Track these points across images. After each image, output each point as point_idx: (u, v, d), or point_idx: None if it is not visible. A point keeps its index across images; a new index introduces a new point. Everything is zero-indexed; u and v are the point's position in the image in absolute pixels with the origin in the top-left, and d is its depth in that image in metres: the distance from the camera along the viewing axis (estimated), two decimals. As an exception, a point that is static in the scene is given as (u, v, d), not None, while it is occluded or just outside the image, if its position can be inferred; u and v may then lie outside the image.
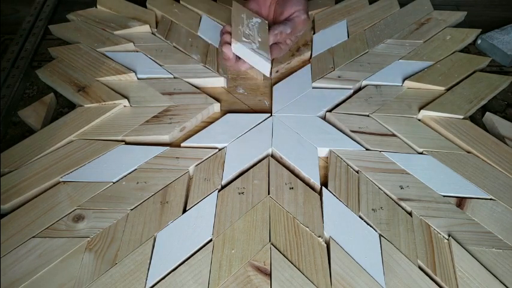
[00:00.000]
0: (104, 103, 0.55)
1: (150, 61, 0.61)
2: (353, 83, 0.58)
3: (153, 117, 0.54)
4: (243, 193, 0.46)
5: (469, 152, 0.50)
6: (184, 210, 0.45)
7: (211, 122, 0.54)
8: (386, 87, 0.58)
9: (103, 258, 0.41)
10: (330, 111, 0.55)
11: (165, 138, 0.52)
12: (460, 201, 0.45)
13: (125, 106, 0.55)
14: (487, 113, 0.55)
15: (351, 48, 0.64)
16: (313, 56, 0.63)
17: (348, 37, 0.66)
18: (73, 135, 0.51)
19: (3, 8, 0.75)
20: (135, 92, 0.57)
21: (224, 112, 0.56)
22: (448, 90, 0.57)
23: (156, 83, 0.58)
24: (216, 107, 0.56)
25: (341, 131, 0.53)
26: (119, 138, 0.52)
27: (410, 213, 0.45)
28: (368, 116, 0.54)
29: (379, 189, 0.46)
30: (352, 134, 0.52)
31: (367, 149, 0.51)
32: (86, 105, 0.55)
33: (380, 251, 0.41)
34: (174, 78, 0.59)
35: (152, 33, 0.66)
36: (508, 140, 0.51)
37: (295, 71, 0.61)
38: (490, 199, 0.46)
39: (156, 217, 0.44)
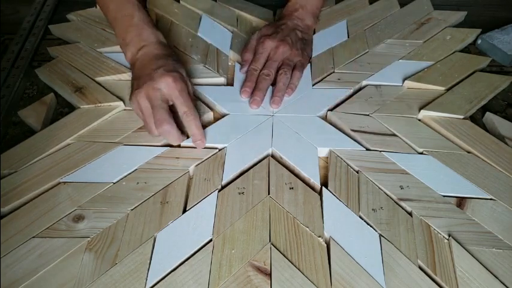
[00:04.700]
0: (99, 104, 0.55)
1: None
2: (353, 84, 0.58)
3: None
4: (243, 193, 0.46)
5: (469, 152, 0.50)
6: (184, 210, 0.45)
7: (207, 126, 0.54)
8: (386, 87, 0.58)
9: (103, 258, 0.41)
10: (330, 110, 0.55)
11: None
12: (460, 201, 0.45)
13: (124, 110, 0.55)
14: (487, 113, 0.55)
15: (351, 48, 0.64)
16: (313, 56, 0.63)
17: (348, 37, 0.66)
18: (70, 138, 0.51)
19: (3, 8, 0.75)
20: (131, 94, 0.57)
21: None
22: (448, 90, 0.57)
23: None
24: (210, 116, 0.55)
25: (341, 130, 0.53)
26: (114, 141, 0.51)
27: (410, 213, 0.45)
28: (368, 115, 0.54)
29: (379, 189, 0.46)
30: (353, 133, 0.52)
31: (367, 149, 0.51)
32: (81, 106, 0.55)
33: (380, 251, 0.41)
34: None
35: (152, 33, 0.66)
36: (508, 140, 0.51)
37: (295, 71, 0.61)
38: (490, 199, 0.46)
39: (156, 217, 0.44)
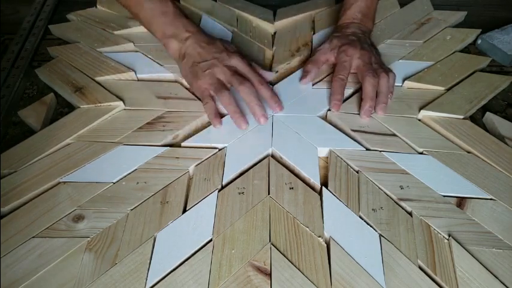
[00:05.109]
0: (99, 104, 0.55)
1: (150, 61, 0.61)
2: (353, 84, 0.58)
3: (147, 123, 0.53)
4: (243, 193, 0.46)
5: (469, 152, 0.50)
6: (184, 210, 0.45)
7: (207, 126, 0.54)
8: (387, 87, 0.58)
9: (103, 258, 0.41)
10: (330, 110, 0.55)
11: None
12: (460, 201, 0.45)
13: (124, 109, 0.55)
14: (487, 113, 0.55)
15: (351, 48, 0.64)
16: (313, 56, 0.63)
17: (348, 37, 0.66)
18: (70, 138, 0.51)
19: (3, 8, 0.75)
20: (131, 93, 0.57)
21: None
22: (448, 90, 0.57)
23: (152, 85, 0.58)
24: None
25: (341, 130, 0.53)
26: (114, 141, 0.51)
27: (410, 213, 0.45)
28: (368, 116, 0.54)
29: (379, 189, 0.46)
30: (353, 133, 0.52)
31: (367, 149, 0.51)
32: (81, 106, 0.55)
33: (380, 251, 0.41)
34: (172, 82, 0.59)
35: (152, 33, 0.66)
36: (508, 140, 0.51)
37: (295, 71, 0.61)
38: (490, 199, 0.46)
39: (156, 217, 0.44)
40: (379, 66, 0.56)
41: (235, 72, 0.54)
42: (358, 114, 0.54)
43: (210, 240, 0.42)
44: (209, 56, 0.54)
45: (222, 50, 0.55)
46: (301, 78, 0.59)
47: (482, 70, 0.61)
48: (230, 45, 0.57)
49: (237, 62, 0.54)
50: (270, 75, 0.58)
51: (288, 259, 0.40)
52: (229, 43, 0.58)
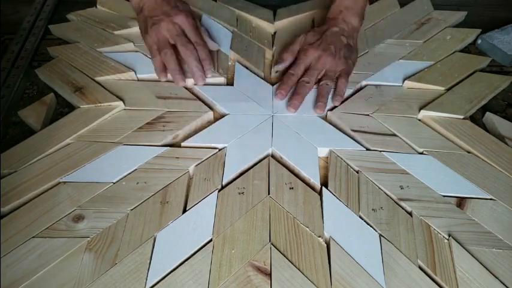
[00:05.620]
0: (99, 104, 0.55)
1: (150, 61, 0.61)
2: (353, 84, 0.58)
3: (147, 123, 0.53)
4: (243, 193, 0.46)
5: (469, 152, 0.50)
6: (184, 210, 0.45)
7: (207, 126, 0.54)
8: (386, 87, 0.58)
9: (103, 258, 0.41)
10: (330, 110, 0.55)
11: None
12: (460, 201, 0.45)
13: (124, 109, 0.55)
14: (487, 113, 0.55)
15: (351, 48, 0.64)
16: (313, 56, 0.63)
17: (348, 37, 0.66)
18: (70, 138, 0.51)
19: (3, 8, 0.75)
20: (131, 94, 0.57)
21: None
22: (448, 90, 0.57)
23: (153, 85, 0.58)
24: (210, 116, 0.55)
25: (342, 130, 0.53)
26: (114, 141, 0.51)
27: (410, 213, 0.45)
28: (368, 115, 0.54)
29: (379, 189, 0.46)
30: (353, 133, 0.52)
31: (367, 149, 0.51)
32: (81, 106, 0.55)
33: (380, 251, 0.41)
34: (172, 82, 0.59)
35: (152, 33, 0.66)
36: (508, 140, 0.51)
37: (295, 71, 0.61)
38: (490, 199, 0.46)
39: (156, 217, 0.44)
40: (329, 76, 0.57)
41: (182, 32, 0.57)
42: (358, 114, 0.54)
43: (210, 240, 0.42)
44: (159, 11, 0.58)
45: (172, 7, 0.58)
46: (276, 64, 0.60)
47: (482, 70, 0.61)
48: (183, 4, 0.60)
49: (181, 19, 0.57)
50: (213, 46, 0.62)
51: (288, 259, 0.40)
52: (185, 3, 0.61)
